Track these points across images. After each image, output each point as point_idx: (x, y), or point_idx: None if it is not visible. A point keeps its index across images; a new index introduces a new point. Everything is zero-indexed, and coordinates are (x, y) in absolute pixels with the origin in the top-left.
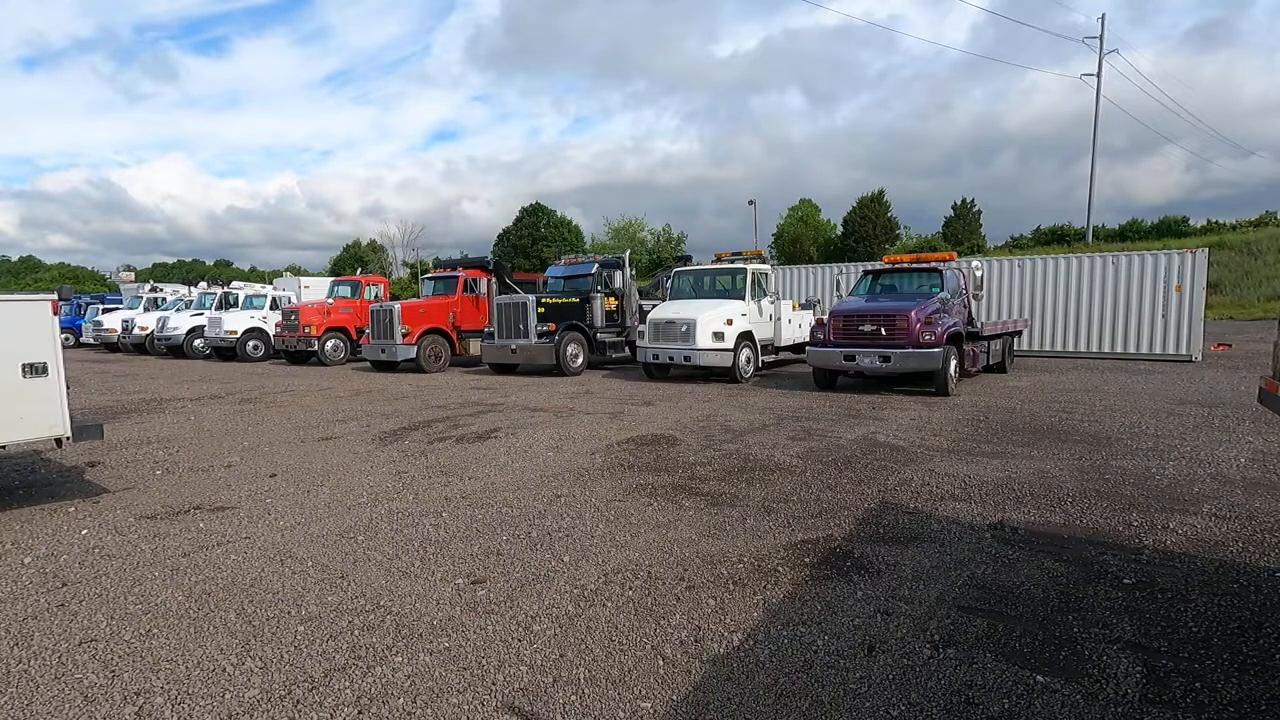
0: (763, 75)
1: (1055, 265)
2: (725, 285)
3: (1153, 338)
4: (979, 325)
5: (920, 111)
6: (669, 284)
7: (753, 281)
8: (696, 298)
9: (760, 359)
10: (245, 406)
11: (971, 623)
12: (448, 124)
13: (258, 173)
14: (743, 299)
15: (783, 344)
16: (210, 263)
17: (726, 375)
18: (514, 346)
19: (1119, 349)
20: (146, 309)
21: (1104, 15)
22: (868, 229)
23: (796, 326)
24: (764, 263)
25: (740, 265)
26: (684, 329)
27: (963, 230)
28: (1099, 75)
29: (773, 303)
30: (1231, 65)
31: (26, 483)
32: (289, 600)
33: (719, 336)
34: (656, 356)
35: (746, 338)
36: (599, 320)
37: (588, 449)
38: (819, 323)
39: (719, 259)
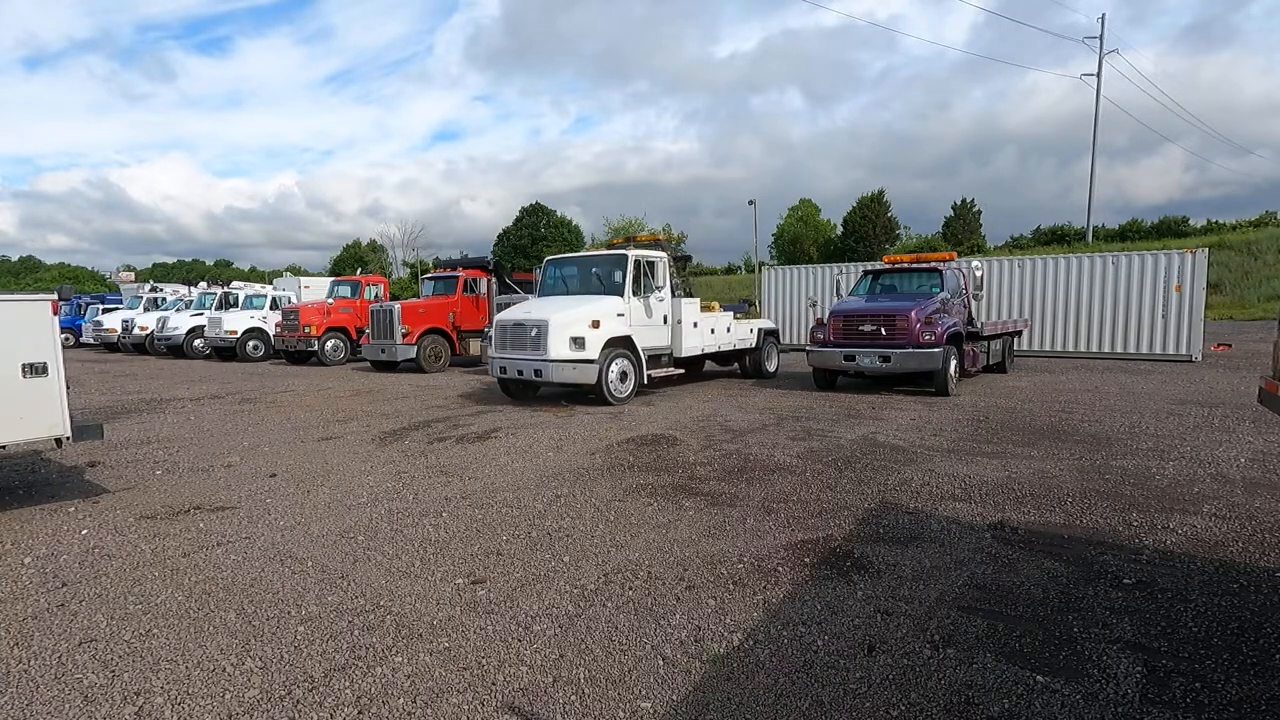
0: (763, 75)
1: (1055, 265)
2: (615, 280)
3: (1153, 338)
4: (979, 325)
5: (920, 111)
6: (540, 278)
7: (637, 272)
8: (569, 294)
9: (646, 373)
10: (245, 406)
11: (971, 623)
12: (448, 124)
13: (258, 173)
14: (621, 295)
15: (686, 354)
16: (210, 263)
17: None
18: None
19: (1119, 349)
20: (146, 309)
21: (1104, 15)
22: (868, 229)
23: (708, 331)
24: (658, 249)
25: (620, 252)
26: (534, 334)
27: (963, 230)
28: (1099, 75)
29: (664, 300)
30: (1231, 65)
31: (26, 483)
32: (289, 600)
33: (579, 344)
34: (504, 370)
35: (622, 345)
36: None
37: (588, 449)
38: (819, 323)
39: (612, 245)
